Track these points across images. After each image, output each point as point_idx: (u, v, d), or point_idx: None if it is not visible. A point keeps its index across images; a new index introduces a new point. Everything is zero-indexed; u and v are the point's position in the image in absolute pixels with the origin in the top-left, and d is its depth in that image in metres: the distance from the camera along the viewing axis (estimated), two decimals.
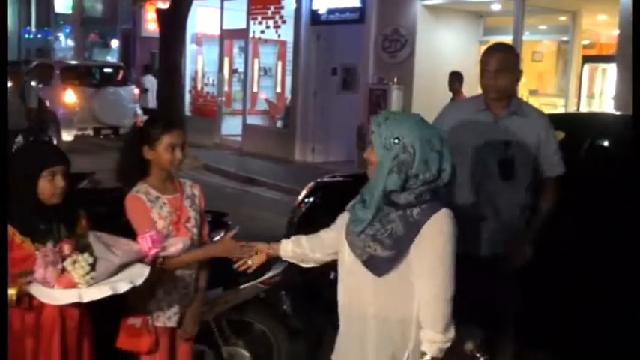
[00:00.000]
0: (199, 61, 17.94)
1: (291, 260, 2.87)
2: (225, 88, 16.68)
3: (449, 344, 2.39)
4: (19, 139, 8.65)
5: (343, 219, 2.60)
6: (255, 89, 16.20)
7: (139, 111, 15.06)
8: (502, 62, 3.53)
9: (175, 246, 2.88)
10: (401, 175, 2.40)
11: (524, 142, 3.53)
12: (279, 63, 16.09)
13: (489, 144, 3.53)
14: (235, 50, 16.77)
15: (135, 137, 3.07)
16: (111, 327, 3.06)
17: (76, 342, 2.84)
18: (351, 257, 2.49)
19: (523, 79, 3.97)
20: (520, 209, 3.58)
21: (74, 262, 2.56)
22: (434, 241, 2.38)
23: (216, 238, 3.53)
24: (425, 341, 2.38)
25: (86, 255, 2.57)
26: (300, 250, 2.81)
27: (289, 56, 14.90)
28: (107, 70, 16.15)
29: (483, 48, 4.33)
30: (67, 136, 14.10)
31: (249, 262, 2.91)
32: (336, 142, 13.42)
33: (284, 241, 2.86)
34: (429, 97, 10.46)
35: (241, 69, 16.24)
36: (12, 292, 2.62)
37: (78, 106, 14.47)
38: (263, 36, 15.23)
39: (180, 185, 3.13)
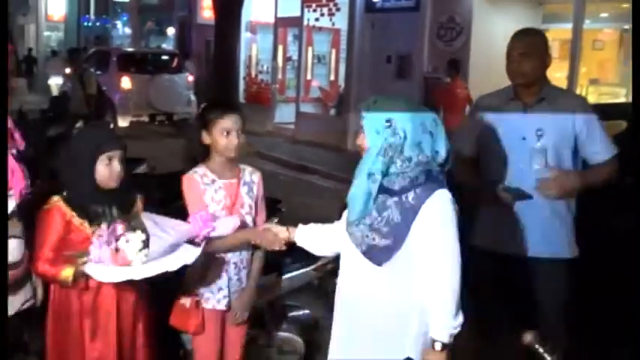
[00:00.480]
0: (254, 49, 18.03)
1: (306, 247, 2.81)
2: (279, 76, 16.73)
3: (458, 329, 2.35)
4: (80, 124, 8.82)
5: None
6: (308, 77, 16.21)
7: (193, 98, 15.25)
8: (528, 46, 3.39)
9: (225, 226, 2.89)
10: (385, 157, 2.36)
11: (558, 129, 3.35)
12: (333, 51, 16.04)
13: (520, 134, 3.39)
14: (289, 38, 16.78)
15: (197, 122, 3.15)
16: (167, 308, 3.12)
17: (132, 323, 2.90)
18: (352, 248, 2.45)
19: (583, 69, 3.86)
20: (563, 201, 3.41)
21: (127, 240, 2.60)
22: (432, 224, 2.33)
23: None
24: (435, 327, 2.34)
25: (139, 233, 2.61)
26: (315, 237, 2.77)
27: (343, 44, 14.84)
28: (162, 57, 16.35)
29: None
30: (123, 122, 14.35)
31: (277, 246, 2.86)
32: None
33: (300, 227, 2.81)
34: (485, 85, 10.18)
35: (295, 57, 16.25)
36: (69, 272, 2.68)
37: (133, 93, 14.70)
38: (317, 24, 15.21)
39: (240, 171, 3.15)
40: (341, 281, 2.54)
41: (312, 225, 2.79)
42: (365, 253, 2.39)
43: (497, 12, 11.68)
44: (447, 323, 2.33)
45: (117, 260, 2.59)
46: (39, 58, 26.96)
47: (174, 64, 15.87)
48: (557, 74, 10.75)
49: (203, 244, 2.81)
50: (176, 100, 14.92)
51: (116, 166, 2.79)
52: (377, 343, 2.43)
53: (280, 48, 16.74)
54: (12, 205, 2.64)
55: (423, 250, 2.34)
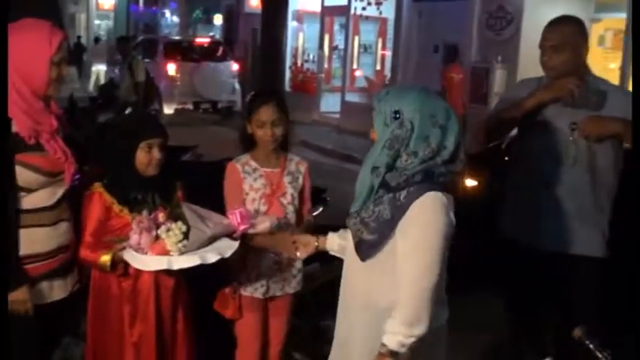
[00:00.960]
0: (300, 38, 18.03)
1: (337, 254, 2.66)
2: (325, 65, 16.70)
3: (413, 340, 2.15)
4: (129, 111, 8.96)
5: None
6: (354, 66, 16.16)
7: (237, 86, 15.33)
8: (559, 38, 3.19)
9: (263, 224, 2.89)
10: (391, 151, 2.24)
11: None
12: (380, 40, 15.96)
13: (553, 124, 3.20)
14: (336, 27, 16.74)
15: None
16: (209, 295, 3.15)
17: (171, 309, 2.93)
18: (349, 241, 2.39)
19: None
20: (601, 198, 3.21)
21: (168, 229, 2.61)
22: (416, 224, 2.20)
23: (315, 214, 3.54)
24: (387, 330, 2.17)
25: (179, 223, 2.62)
26: (344, 241, 2.57)
27: (390, 33, 14.74)
28: (208, 45, 16.43)
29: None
30: (168, 109, 14.51)
31: (298, 254, 2.78)
32: None
33: (331, 235, 2.68)
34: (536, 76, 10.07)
35: (341, 46, 16.20)
36: (106, 258, 2.72)
37: (179, 81, 14.85)
38: (364, 13, 15.10)
39: (286, 160, 3.15)
40: (342, 275, 2.48)
41: (342, 231, 2.62)
42: (355, 247, 2.32)
43: (548, 0, 11.45)
44: (398, 329, 2.15)
45: (155, 248, 2.61)
46: (89, 47, 27.43)
47: (220, 52, 15.95)
48: (611, 65, 10.49)
49: (239, 240, 2.81)
50: (220, 88, 15.05)
51: (156, 153, 2.81)
52: (367, 342, 2.32)
53: (326, 37, 16.70)
54: (62, 189, 2.67)
55: (402, 248, 2.22)
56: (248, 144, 3.14)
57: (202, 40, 17.18)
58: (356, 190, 2.35)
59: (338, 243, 2.63)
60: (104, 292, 2.86)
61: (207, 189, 3.15)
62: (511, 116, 3.30)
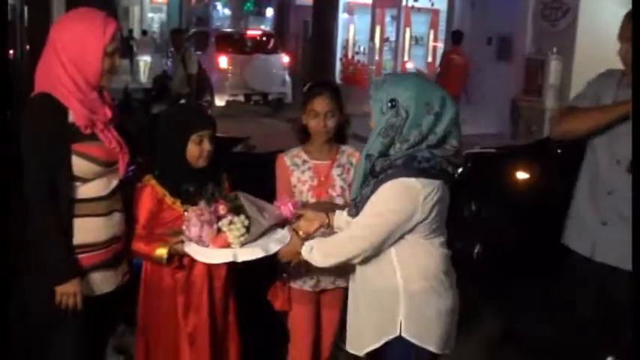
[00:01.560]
0: (351, 30, 17.98)
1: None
2: (376, 57, 16.62)
3: (318, 264, 2.53)
4: (180, 103, 9.04)
5: None
6: (405, 58, 16.03)
7: (288, 78, 15.38)
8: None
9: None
10: (385, 139, 2.32)
11: None
12: (431, 32, 15.79)
13: (622, 130, 2.94)
14: (387, 19, 16.64)
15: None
16: (259, 286, 3.16)
17: (223, 299, 2.94)
18: None
19: None
20: None
21: (230, 222, 2.61)
22: (376, 198, 2.33)
23: None
24: (312, 243, 2.50)
25: (242, 217, 2.62)
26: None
27: (442, 25, 14.57)
28: (259, 38, 16.53)
29: None
30: (220, 101, 14.65)
31: (301, 233, 2.80)
32: (488, 113, 12.99)
33: (339, 212, 2.76)
34: (592, 69, 9.72)
35: (392, 38, 16.09)
36: (163, 251, 2.72)
37: (230, 73, 14.97)
38: (416, 4, 14.99)
39: (337, 152, 3.14)
40: None
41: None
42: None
43: None
44: (317, 253, 2.50)
45: (217, 241, 2.61)
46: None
47: (271, 45, 16.03)
48: None
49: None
50: (271, 80, 15.10)
51: (206, 145, 2.81)
52: (366, 323, 2.48)
53: (377, 29, 16.62)
54: (116, 179, 2.70)
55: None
56: (302, 135, 3.14)
57: (254, 32, 17.25)
58: (353, 177, 2.51)
59: (345, 220, 2.68)
60: (156, 283, 2.87)
61: (259, 181, 3.16)
62: (595, 121, 3.07)
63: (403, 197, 2.30)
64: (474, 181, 5.28)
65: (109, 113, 2.64)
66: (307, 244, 2.54)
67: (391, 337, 2.40)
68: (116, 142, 2.65)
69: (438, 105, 2.32)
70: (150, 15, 31.27)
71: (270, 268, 3.01)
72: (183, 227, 2.64)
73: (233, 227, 2.59)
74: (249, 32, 17.05)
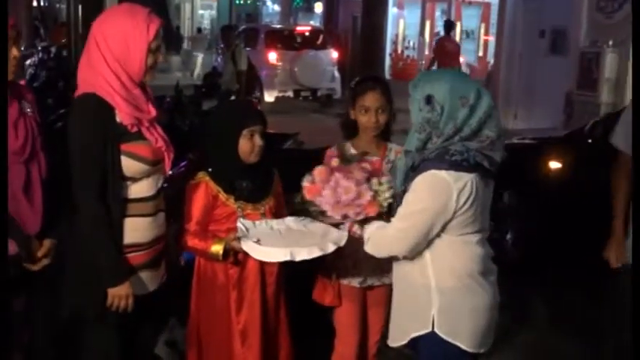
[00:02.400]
0: (400, 24, 17.87)
1: None
2: (426, 52, 16.49)
3: (368, 248, 2.52)
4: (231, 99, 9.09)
5: None
6: None
7: (337, 74, 15.37)
8: None
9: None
10: (422, 134, 2.35)
11: None
12: (482, 25, 15.59)
13: None
14: (437, 13, 16.50)
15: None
16: (307, 282, 3.17)
17: (275, 295, 2.94)
18: None
19: None
20: None
21: (380, 183, 2.54)
22: (410, 193, 2.36)
23: None
24: (369, 232, 2.48)
25: (385, 178, 2.58)
26: None
27: (493, 18, 14.37)
28: (308, 34, 16.56)
29: None
30: (269, 97, 14.72)
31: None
32: (541, 108, 12.76)
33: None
34: None
35: (443, 32, 15.91)
36: (218, 247, 2.73)
37: (279, 69, 15.03)
38: None
39: (386, 149, 3.11)
40: None
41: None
42: None
43: None
44: (371, 236, 2.50)
45: (372, 206, 2.48)
46: (192, 36, 28.16)
47: (320, 40, 16.05)
48: None
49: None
50: (320, 76, 15.11)
51: (258, 140, 2.81)
52: (401, 317, 2.54)
53: (428, 23, 16.48)
54: (161, 178, 2.68)
55: None
56: (350, 130, 3.12)
57: (302, 28, 17.34)
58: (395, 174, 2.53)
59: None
60: (210, 279, 2.88)
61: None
62: None
63: (434, 189, 2.33)
64: (505, 172, 5.29)
65: (153, 111, 2.60)
66: (366, 232, 2.55)
67: (424, 331, 2.43)
68: (162, 140, 2.62)
69: (473, 98, 2.33)
70: (200, 12, 31.61)
71: (315, 265, 3.00)
72: (321, 189, 2.44)
73: (383, 187, 2.53)
74: (298, 28, 17.15)
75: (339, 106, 14.71)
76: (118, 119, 2.50)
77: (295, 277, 3.00)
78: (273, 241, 2.65)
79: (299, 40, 16.06)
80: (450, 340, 2.40)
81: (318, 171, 2.39)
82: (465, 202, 2.33)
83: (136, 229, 2.58)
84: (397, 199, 2.49)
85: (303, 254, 2.57)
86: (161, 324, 3.31)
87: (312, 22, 22.50)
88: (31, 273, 2.53)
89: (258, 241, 2.63)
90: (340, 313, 3.17)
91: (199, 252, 2.82)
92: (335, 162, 2.38)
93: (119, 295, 2.52)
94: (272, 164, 3.01)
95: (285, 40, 15.87)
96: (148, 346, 2.82)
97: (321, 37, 16.29)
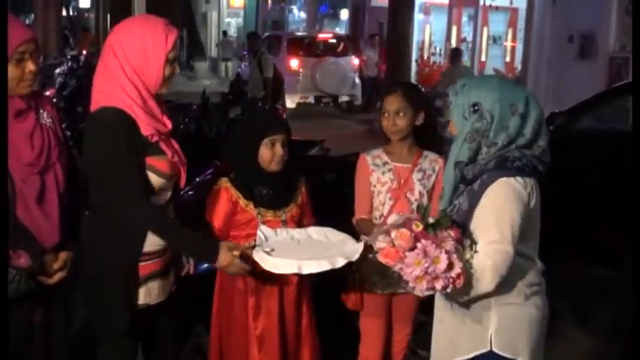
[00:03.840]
0: (427, 30, 17.81)
1: None
2: None
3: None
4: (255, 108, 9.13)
5: None
6: (483, 59, 15.75)
7: (358, 80, 15.52)
8: None
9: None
10: (472, 144, 2.24)
11: None
12: (510, 31, 15.46)
13: None
14: (464, 19, 16.41)
15: None
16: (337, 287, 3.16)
17: (295, 303, 2.93)
18: None
19: None
20: None
21: (471, 250, 2.23)
22: (488, 211, 2.20)
23: None
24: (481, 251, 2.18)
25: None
26: None
27: (521, 24, 14.25)
28: (329, 41, 16.73)
29: None
30: (290, 104, 14.87)
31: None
32: None
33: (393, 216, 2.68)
34: None
35: (469, 38, 15.84)
36: (236, 253, 2.69)
37: (301, 75, 15.18)
38: (494, 3, 14.73)
39: (420, 157, 3.09)
40: None
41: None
42: None
43: None
44: (466, 288, 2.17)
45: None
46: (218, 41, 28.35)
47: (341, 47, 16.24)
48: None
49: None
50: (341, 82, 15.25)
51: (279, 149, 2.81)
52: (456, 335, 2.38)
53: (454, 29, 16.39)
54: (171, 190, 2.65)
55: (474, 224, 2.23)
56: (385, 137, 3.13)
57: (325, 35, 17.50)
58: (443, 187, 2.37)
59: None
60: (229, 285, 2.89)
61: (334, 184, 3.15)
62: None
63: (510, 196, 2.21)
64: None
65: (168, 124, 2.57)
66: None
67: (482, 351, 2.32)
68: (177, 154, 2.59)
69: (523, 105, 2.25)
70: (227, 20, 31.80)
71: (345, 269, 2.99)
72: (419, 260, 2.10)
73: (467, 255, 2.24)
74: (320, 35, 17.31)
75: (361, 112, 14.76)
76: (142, 132, 2.47)
77: (325, 281, 2.99)
78: (288, 252, 2.62)
79: (321, 47, 16.23)
80: (509, 356, 2.31)
81: (400, 234, 2.12)
82: (534, 208, 2.27)
83: (148, 238, 2.55)
84: (444, 215, 2.30)
85: (312, 268, 2.54)
86: (186, 331, 3.31)
87: (337, 29, 22.53)
88: (48, 286, 2.51)
89: (271, 251, 2.60)
90: (365, 319, 3.18)
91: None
92: (417, 226, 2.13)
93: (224, 265, 2.56)
94: (298, 172, 3.00)
95: (307, 47, 16.06)
96: (169, 356, 2.81)
97: (342, 44, 16.48)
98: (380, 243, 2.15)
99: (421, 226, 2.10)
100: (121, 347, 2.58)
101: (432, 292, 2.14)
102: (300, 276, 2.81)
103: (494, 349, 2.30)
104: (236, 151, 2.91)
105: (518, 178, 2.23)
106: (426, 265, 2.05)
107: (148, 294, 2.59)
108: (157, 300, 2.62)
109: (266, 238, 2.70)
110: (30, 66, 2.41)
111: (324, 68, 15.24)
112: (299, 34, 19.15)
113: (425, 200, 3.05)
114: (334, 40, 16.83)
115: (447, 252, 2.07)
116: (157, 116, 2.53)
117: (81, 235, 2.58)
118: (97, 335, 2.57)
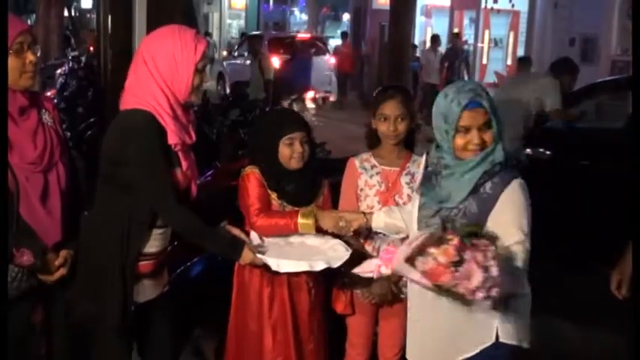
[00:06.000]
0: (428, 33, 17.80)
1: (383, 231, 2.82)
2: None
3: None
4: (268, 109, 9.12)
5: (414, 204, 2.52)
6: (484, 61, 15.76)
7: (334, 78, 16.57)
8: None
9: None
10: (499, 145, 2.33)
11: None
12: (511, 34, 15.47)
13: None
14: (465, 21, 16.41)
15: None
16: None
17: (309, 299, 2.96)
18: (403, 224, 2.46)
19: None
20: None
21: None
22: (509, 213, 2.27)
23: None
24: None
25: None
26: (392, 220, 2.74)
27: (522, 27, 14.26)
28: (307, 41, 17.43)
29: None
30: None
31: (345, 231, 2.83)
32: None
33: (376, 212, 2.82)
34: None
35: (471, 41, 15.84)
36: (308, 221, 2.77)
37: (279, 73, 15.49)
38: (495, 6, 14.70)
39: (408, 160, 3.08)
40: None
41: (388, 208, 2.83)
42: None
43: None
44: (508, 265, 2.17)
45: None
46: (221, 45, 28.39)
47: (318, 47, 16.98)
48: None
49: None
50: (316, 79, 15.68)
51: (297, 147, 2.85)
52: (460, 333, 2.37)
53: (456, 31, 16.38)
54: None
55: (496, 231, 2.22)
56: (373, 140, 3.10)
57: (303, 35, 18.54)
58: (448, 190, 2.35)
59: (383, 219, 2.75)
60: (247, 277, 2.94)
61: (334, 187, 3.14)
62: None
63: (524, 196, 2.31)
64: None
65: (193, 136, 2.60)
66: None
67: (488, 344, 2.35)
68: (191, 168, 2.62)
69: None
70: (228, 21, 31.85)
71: (332, 273, 2.99)
72: (469, 273, 2.05)
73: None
74: (299, 35, 18.35)
75: (335, 109, 15.72)
76: (168, 140, 2.50)
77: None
78: (277, 252, 2.74)
79: (299, 46, 16.71)
80: (516, 344, 2.36)
81: (443, 251, 2.07)
82: None
83: (146, 240, 2.59)
84: (447, 219, 2.32)
85: (289, 267, 2.67)
86: (185, 335, 3.31)
87: (338, 31, 22.57)
88: (49, 284, 2.52)
89: (260, 248, 2.73)
90: (350, 322, 3.17)
91: (281, 228, 2.84)
92: (452, 239, 2.08)
93: (248, 259, 2.66)
94: (321, 174, 3.04)
95: (286, 46, 16.52)
96: (166, 353, 2.81)
97: (319, 44, 17.38)
98: (423, 265, 2.09)
99: (456, 239, 2.06)
100: (113, 344, 2.58)
101: (489, 300, 2.06)
102: (312, 274, 2.84)
103: (502, 340, 2.34)
104: (257, 151, 2.97)
105: (520, 177, 2.33)
106: (483, 274, 2.01)
107: (140, 292, 2.62)
108: (145, 298, 2.65)
109: (262, 238, 2.81)
110: (30, 56, 2.45)
111: (301, 66, 15.52)
112: (280, 34, 20.39)
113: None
114: (312, 41, 17.62)
115: (494, 258, 2.03)
116: (185, 126, 2.56)
117: (80, 234, 2.59)
118: (92, 332, 2.58)
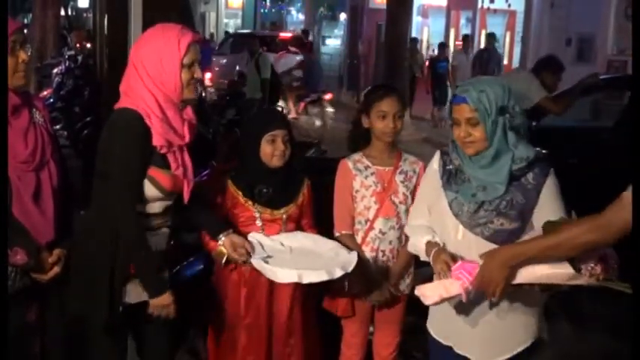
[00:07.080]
0: (425, 33, 17.83)
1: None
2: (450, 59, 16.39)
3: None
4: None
5: (440, 202, 2.46)
6: None
7: (300, 74, 16.33)
8: None
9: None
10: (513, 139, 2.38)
11: None
12: (508, 34, 15.48)
13: None
14: (462, 21, 16.43)
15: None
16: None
17: (289, 302, 2.94)
18: (467, 237, 2.38)
19: None
20: None
21: None
22: (554, 204, 2.34)
23: None
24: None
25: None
26: (432, 238, 2.52)
27: (519, 26, 14.28)
28: (289, 39, 17.91)
29: None
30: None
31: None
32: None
33: (418, 241, 2.58)
34: None
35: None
36: (223, 250, 2.72)
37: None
38: (492, 6, 14.75)
39: (400, 159, 3.07)
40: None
41: (417, 229, 2.62)
42: (489, 238, 2.34)
43: None
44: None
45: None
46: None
47: (301, 44, 17.36)
48: None
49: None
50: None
51: (279, 144, 2.84)
52: (509, 330, 2.39)
53: (452, 31, 16.41)
54: (172, 201, 2.64)
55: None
56: (362, 141, 3.08)
57: (285, 35, 19.08)
58: (484, 183, 2.35)
59: (427, 240, 2.55)
60: (225, 276, 2.92)
61: (329, 186, 3.12)
62: None
63: (558, 182, 2.38)
64: None
65: (187, 137, 2.56)
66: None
67: (531, 342, 2.42)
68: (182, 167, 2.57)
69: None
70: (225, 20, 31.83)
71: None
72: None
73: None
74: (281, 34, 19.05)
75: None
76: (153, 141, 2.47)
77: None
78: (283, 259, 2.70)
79: (280, 44, 17.18)
80: (543, 337, 2.45)
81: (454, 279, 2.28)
82: None
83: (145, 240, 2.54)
84: (498, 212, 2.34)
85: (312, 277, 2.62)
86: (181, 335, 3.30)
87: (335, 31, 22.58)
88: (43, 283, 2.52)
89: (267, 258, 2.69)
90: (347, 320, 3.15)
91: (208, 248, 2.84)
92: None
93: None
94: (302, 173, 3.02)
95: (269, 44, 16.70)
96: (163, 353, 2.81)
97: (300, 42, 17.61)
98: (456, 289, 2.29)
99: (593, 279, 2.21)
100: (103, 344, 2.57)
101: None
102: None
103: (542, 335, 2.42)
104: (241, 149, 2.98)
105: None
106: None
107: (132, 293, 2.58)
108: (140, 299, 2.60)
109: (262, 245, 2.77)
110: (22, 55, 2.46)
111: (280, 63, 15.58)
112: (265, 33, 20.79)
113: (409, 202, 3.00)
114: (293, 39, 18.02)
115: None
116: (176, 127, 2.53)
117: (75, 234, 2.59)
118: (89, 331, 2.57)
